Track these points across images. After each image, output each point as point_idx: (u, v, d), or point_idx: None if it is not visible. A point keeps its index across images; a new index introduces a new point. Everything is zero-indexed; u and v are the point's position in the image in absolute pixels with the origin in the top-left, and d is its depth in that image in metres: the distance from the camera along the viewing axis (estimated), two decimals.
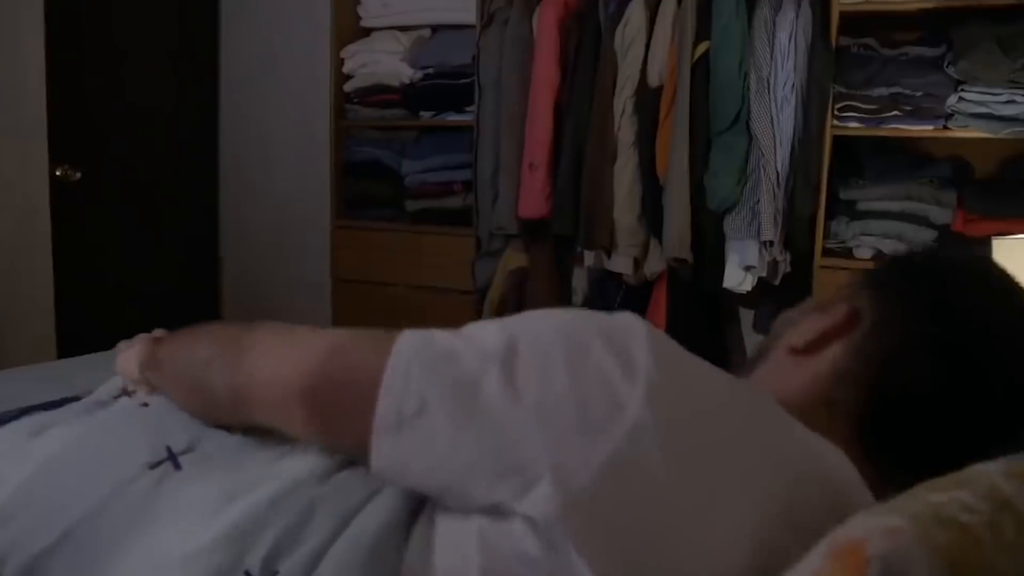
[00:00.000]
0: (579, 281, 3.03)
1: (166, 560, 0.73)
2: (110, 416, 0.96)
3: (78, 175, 3.56)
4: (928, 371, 0.75)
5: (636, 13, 2.84)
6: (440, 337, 0.73)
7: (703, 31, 2.75)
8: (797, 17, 2.66)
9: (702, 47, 2.74)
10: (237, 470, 0.81)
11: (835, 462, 0.71)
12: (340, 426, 0.75)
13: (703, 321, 3.06)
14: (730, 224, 2.75)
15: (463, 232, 3.27)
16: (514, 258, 3.10)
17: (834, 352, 0.79)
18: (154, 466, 0.84)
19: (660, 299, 2.91)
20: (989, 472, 0.62)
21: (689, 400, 0.67)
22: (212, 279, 4.41)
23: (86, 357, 2.40)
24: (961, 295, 0.78)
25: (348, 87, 3.52)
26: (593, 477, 0.61)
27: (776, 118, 2.68)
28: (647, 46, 2.83)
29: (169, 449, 0.86)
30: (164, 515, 0.78)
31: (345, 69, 3.52)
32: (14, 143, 3.20)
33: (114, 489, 0.82)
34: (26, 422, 0.99)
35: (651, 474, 0.62)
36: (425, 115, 3.38)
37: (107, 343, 3.20)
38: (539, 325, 0.72)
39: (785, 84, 2.67)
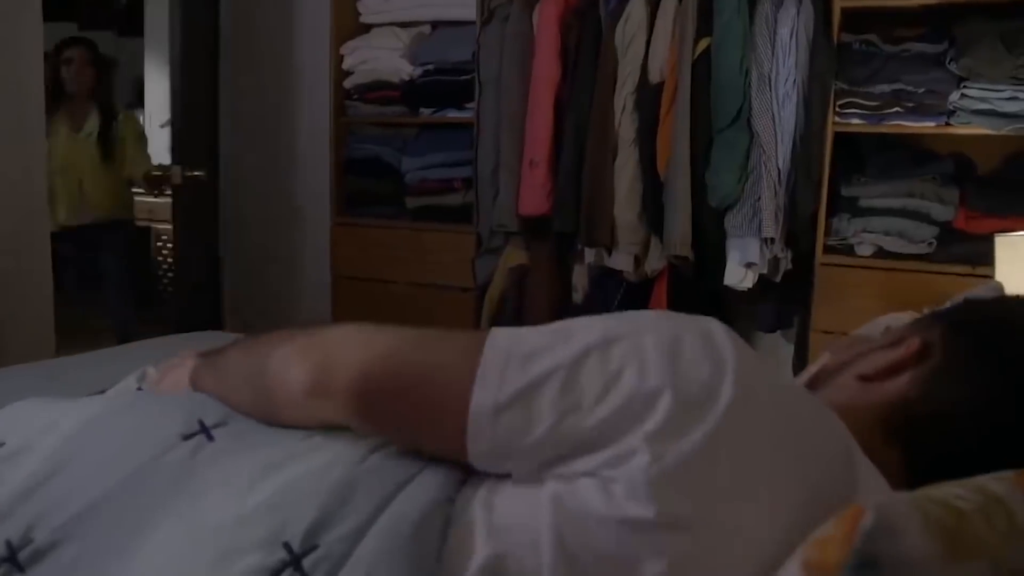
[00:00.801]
0: (579, 278, 3.02)
1: (202, 530, 0.73)
2: (139, 396, 0.96)
3: None
4: (985, 423, 0.80)
5: (637, 9, 2.83)
6: (531, 333, 0.74)
7: (704, 27, 2.74)
8: (798, 13, 2.65)
9: (703, 43, 2.73)
10: (272, 444, 0.81)
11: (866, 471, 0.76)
12: (416, 422, 0.76)
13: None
14: (731, 221, 2.74)
15: (463, 229, 3.26)
16: (514, 255, 3.09)
17: (902, 381, 0.83)
18: (187, 437, 0.84)
19: (661, 296, 2.90)
20: (980, 478, 0.68)
21: (764, 390, 0.70)
22: (212, 276, 4.40)
23: (84, 355, 2.40)
24: None
25: (348, 84, 3.51)
26: (685, 454, 0.64)
27: (777, 115, 2.68)
28: (648, 42, 2.82)
29: (202, 422, 0.86)
30: (199, 485, 0.78)
31: (345, 66, 3.50)
32: (14, 142, 3.19)
33: (148, 459, 0.81)
34: (41, 400, 0.98)
35: (733, 456, 0.66)
36: (425, 112, 3.36)
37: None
38: (633, 321, 0.74)
39: (786, 81, 2.66)
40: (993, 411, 0.79)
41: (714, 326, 0.72)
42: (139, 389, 1.18)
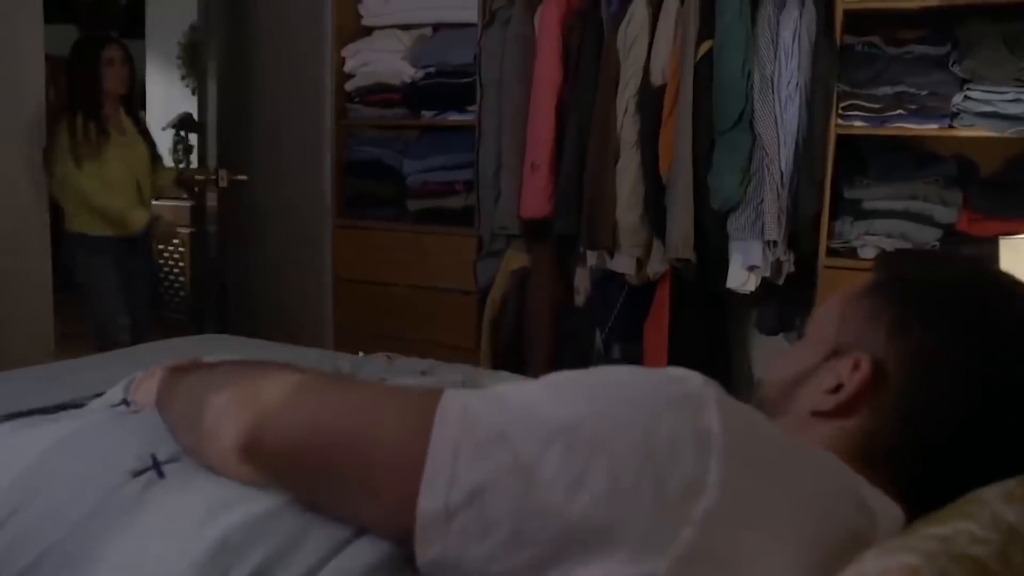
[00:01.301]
0: (581, 281, 3.01)
1: (150, 573, 0.71)
2: (97, 420, 0.94)
3: None
4: (974, 438, 0.73)
5: (639, 11, 2.82)
6: (484, 412, 0.64)
7: (706, 30, 2.73)
8: (801, 16, 2.65)
9: (705, 46, 2.72)
10: (223, 483, 0.78)
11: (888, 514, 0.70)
12: (354, 506, 0.70)
13: (706, 321, 3.05)
14: (733, 224, 2.73)
15: (465, 232, 3.25)
16: (516, 258, 3.09)
17: (863, 415, 0.76)
18: (138, 474, 0.82)
19: (663, 299, 2.89)
20: (988, 500, 0.62)
21: (761, 468, 0.63)
22: (217, 272, 4.39)
23: (82, 359, 2.39)
24: (992, 328, 0.75)
25: (349, 86, 3.51)
26: (671, 560, 0.58)
27: (780, 117, 2.67)
28: (650, 45, 2.81)
29: (154, 457, 0.83)
30: (147, 525, 0.76)
31: (346, 68, 3.50)
32: (14, 143, 3.19)
33: (98, 498, 0.79)
34: (11, 424, 0.97)
35: (726, 555, 0.59)
36: (427, 114, 3.36)
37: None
38: (600, 392, 0.64)
39: (789, 83, 2.65)
40: (981, 424, 0.72)
41: (695, 386, 0.64)
42: (123, 400, 1.17)
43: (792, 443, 0.69)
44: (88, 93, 3.25)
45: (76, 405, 1.29)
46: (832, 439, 0.75)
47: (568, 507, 0.59)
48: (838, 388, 0.76)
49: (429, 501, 0.62)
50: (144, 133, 3.54)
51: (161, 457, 0.83)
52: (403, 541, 0.65)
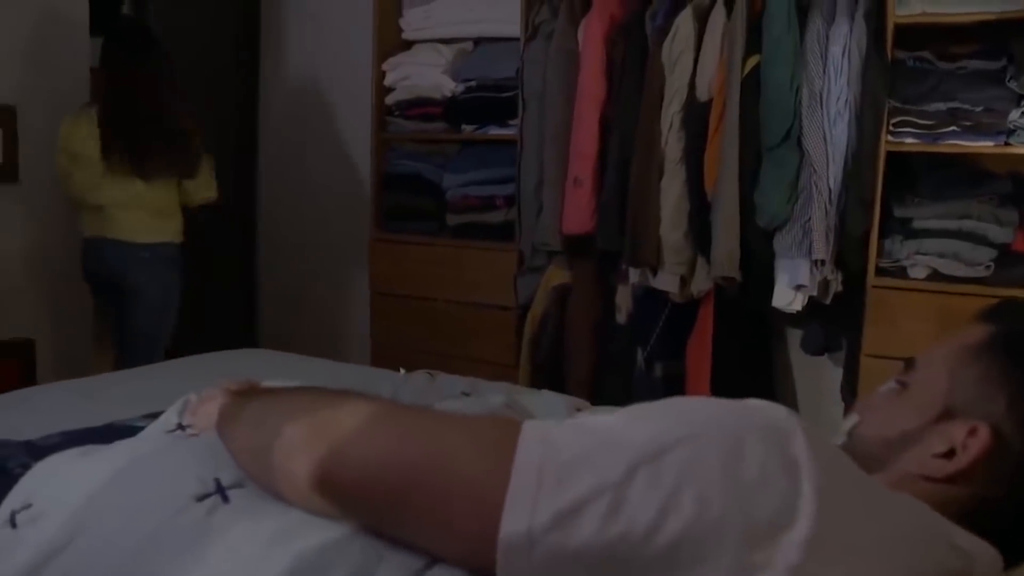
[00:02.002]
0: (623, 299, 2.97)
1: None
2: (157, 446, 0.92)
3: None
4: None
5: (684, 26, 2.78)
6: (566, 439, 0.63)
7: (753, 44, 2.69)
8: (851, 30, 2.60)
9: (752, 61, 2.68)
10: (290, 509, 0.77)
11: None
12: (435, 536, 0.68)
13: (749, 340, 3.00)
14: (780, 242, 2.68)
15: (505, 247, 3.22)
16: (557, 274, 3.05)
17: (978, 481, 0.74)
18: (202, 498, 0.81)
19: (706, 318, 2.84)
20: None
21: (852, 502, 0.62)
22: (248, 290, 4.40)
23: (121, 372, 2.39)
24: None
25: (389, 100, 3.50)
26: None
27: (828, 133, 2.62)
28: (695, 60, 2.77)
29: (218, 481, 0.82)
30: (214, 551, 0.75)
31: (386, 82, 3.49)
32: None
33: (162, 522, 0.78)
34: (71, 453, 0.96)
35: None
36: (467, 128, 3.34)
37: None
38: (684, 419, 0.64)
39: (838, 99, 2.60)
40: None
41: (779, 416, 0.63)
42: (179, 424, 1.15)
43: (875, 482, 0.68)
44: None
45: (130, 427, 1.27)
46: (935, 500, 0.72)
47: (656, 533, 0.58)
48: (950, 453, 0.74)
49: (513, 526, 0.60)
50: None
51: (225, 482, 0.82)
52: (480, 571, 0.64)
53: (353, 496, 0.71)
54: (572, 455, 0.61)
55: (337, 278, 4.10)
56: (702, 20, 2.80)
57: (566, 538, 0.59)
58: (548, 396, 1.91)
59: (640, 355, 2.94)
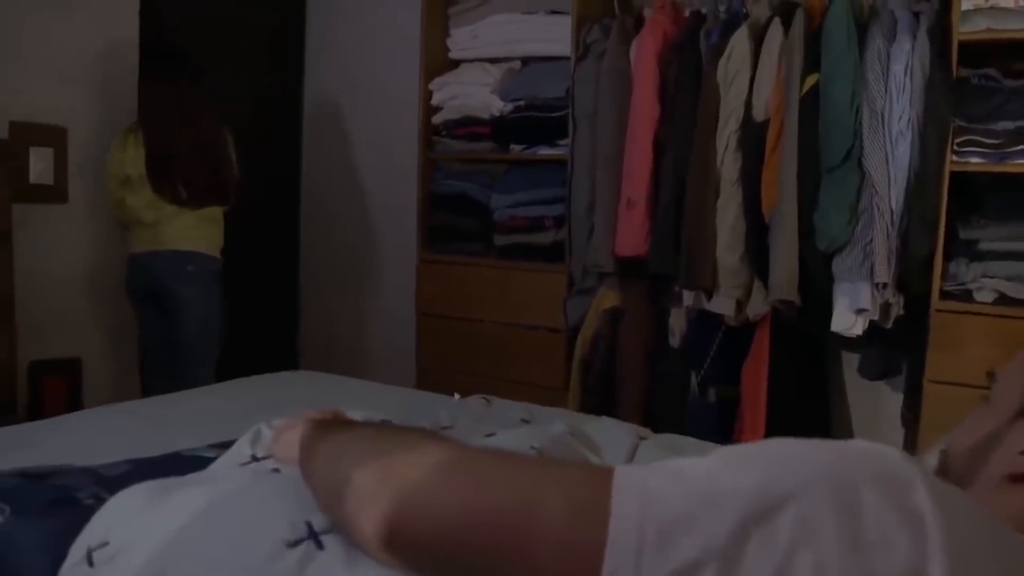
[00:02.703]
0: (676, 322, 2.92)
1: None
2: (242, 483, 0.89)
3: None
4: None
5: (740, 45, 2.74)
6: (666, 492, 0.58)
7: (812, 63, 2.63)
8: (913, 48, 2.54)
9: (811, 79, 2.62)
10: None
11: None
12: None
13: (805, 365, 2.93)
14: (840, 264, 2.61)
15: (553, 268, 3.18)
16: (608, 296, 3.00)
17: None
18: (294, 544, 0.77)
19: (762, 342, 2.78)
20: None
21: (982, 557, 0.57)
22: (289, 309, 4.39)
23: (170, 396, 2.37)
24: None
25: (436, 119, 3.47)
26: None
27: (891, 154, 2.55)
28: (752, 79, 2.72)
29: (310, 526, 0.78)
30: None
31: (433, 101, 3.47)
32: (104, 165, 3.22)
33: (251, 572, 0.75)
34: (147, 488, 0.92)
35: None
36: (515, 148, 3.31)
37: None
38: (790, 468, 0.58)
39: (901, 118, 2.54)
40: None
41: (894, 461, 0.57)
42: (253, 456, 1.12)
43: (999, 524, 0.62)
44: None
45: (198, 457, 1.24)
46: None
47: None
48: None
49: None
50: None
51: (317, 526, 0.78)
52: None
53: (426, 551, 0.65)
54: (675, 513, 0.56)
55: (381, 298, 4.08)
56: (758, 38, 2.75)
57: None
58: (609, 424, 1.86)
59: (694, 379, 2.88)
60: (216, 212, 3.15)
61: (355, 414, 1.21)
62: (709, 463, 0.60)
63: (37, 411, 3.08)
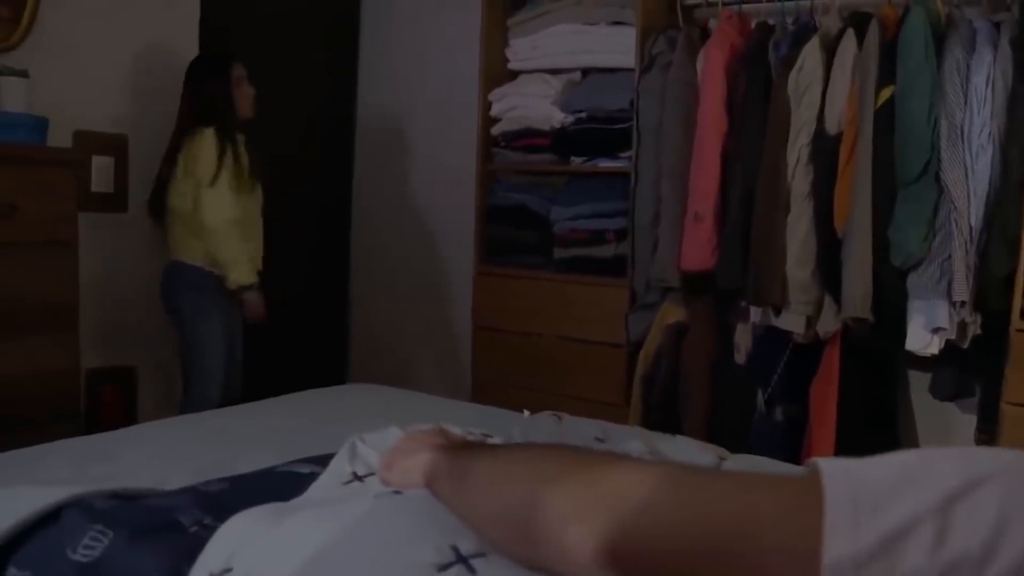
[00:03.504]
0: (742, 338, 2.86)
1: None
2: (374, 507, 0.85)
3: None
4: None
5: (811, 57, 2.68)
6: (870, 473, 0.59)
7: (887, 75, 2.57)
8: (995, 60, 2.47)
9: (886, 92, 2.57)
10: None
11: None
12: None
13: (874, 383, 2.85)
14: (915, 281, 2.54)
15: (615, 282, 3.13)
16: (672, 311, 2.95)
17: None
18: (443, 568, 0.74)
19: (832, 360, 2.71)
20: None
21: None
22: (340, 320, 4.38)
23: (222, 411, 2.34)
24: None
25: (495, 130, 3.44)
26: None
27: (970, 168, 2.48)
28: (824, 91, 2.67)
29: (456, 550, 0.76)
30: None
31: (492, 112, 3.44)
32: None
33: None
34: (263, 513, 0.88)
35: None
36: (576, 160, 3.27)
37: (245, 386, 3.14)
38: (989, 456, 0.59)
39: (981, 132, 2.47)
40: None
41: None
42: (354, 474, 1.08)
43: None
44: (223, 114, 3.01)
45: (293, 473, 1.21)
46: None
47: (989, 563, 0.54)
48: None
49: (837, 552, 0.56)
50: (258, 175, 3.15)
51: (465, 550, 0.75)
52: None
53: (652, 565, 0.65)
54: (882, 486, 0.58)
55: (433, 311, 4.05)
56: (830, 50, 2.69)
57: (893, 565, 0.55)
58: (684, 443, 1.82)
59: (760, 397, 2.81)
60: (195, 225, 3.01)
61: (454, 430, 1.18)
62: (904, 455, 0.61)
63: (94, 418, 3.09)
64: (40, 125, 2.68)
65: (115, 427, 2.51)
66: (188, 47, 3.35)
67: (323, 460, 1.18)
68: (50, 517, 1.09)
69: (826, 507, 0.57)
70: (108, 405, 3.26)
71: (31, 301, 2.59)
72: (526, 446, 0.84)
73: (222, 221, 2.96)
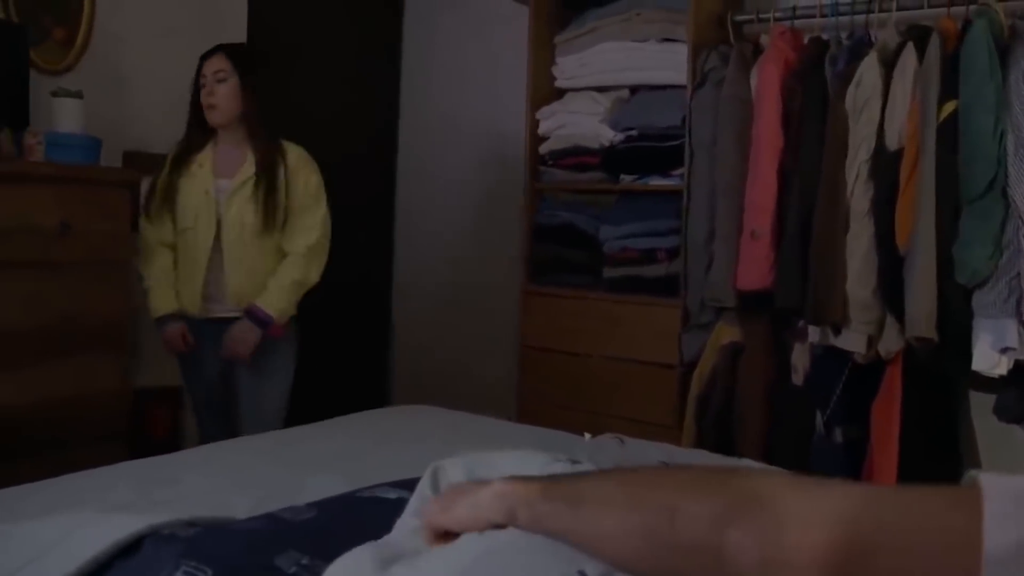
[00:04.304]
0: (800, 358, 2.79)
1: None
2: (491, 543, 0.80)
3: None
4: None
5: (869, 72, 2.63)
6: (1012, 479, 0.61)
7: (949, 89, 2.52)
8: None
9: (949, 106, 2.51)
10: None
11: None
12: None
13: (936, 403, 2.78)
14: (981, 300, 2.48)
15: (666, 302, 3.08)
16: (726, 331, 2.89)
17: None
18: None
19: (894, 381, 2.64)
20: None
21: None
22: (382, 340, 4.35)
23: (275, 433, 2.32)
24: None
25: (543, 149, 3.41)
26: None
27: None
28: (883, 106, 2.61)
29: (584, 574, 0.73)
30: None
31: (540, 131, 3.41)
32: None
33: None
34: (369, 553, 0.84)
35: None
36: (626, 178, 3.23)
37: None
38: None
39: None
40: None
41: None
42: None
43: None
44: (190, 123, 2.75)
45: (379, 499, 1.17)
46: None
47: None
48: None
49: (998, 539, 0.58)
50: (268, 186, 2.69)
51: (592, 573, 0.73)
52: None
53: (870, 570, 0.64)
54: None
55: (477, 331, 4.01)
56: (888, 64, 2.64)
57: None
58: (751, 465, 1.77)
59: (819, 418, 2.75)
60: None
61: (540, 455, 1.14)
62: None
63: (141, 438, 3.07)
64: (94, 145, 2.69)
65: (162, 448, 2.50)
66: None
67: (406, 484, 1.15)
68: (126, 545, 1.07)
69: (985, 501, 0.59)
70: (155, 425, 3.25)
71: (82, 320, 2.59)
72: (645, 467, 0.81)
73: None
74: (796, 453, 2.74)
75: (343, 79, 3.98)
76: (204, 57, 2.73)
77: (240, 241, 2.69)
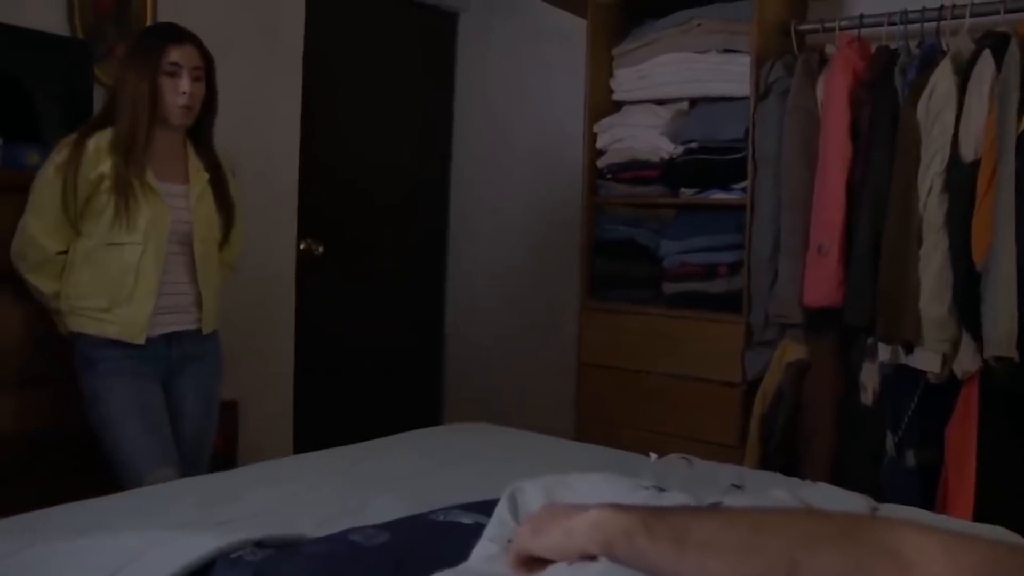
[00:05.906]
0: (869, 377, 2.70)
1: None
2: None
3: (320, 249, 3.58)
4: None
5: (943, 81, 2.55)
6: None
7: None
8: None
9: None
10: None
11: None
12: None
13: (1019, 430, 2.66)
14: None
15: (729, 318, 3.00)
16: (792, 349, 2.81)
17: None
18: None
19: (971, 401, 2.54)
20: None
21: None
22: (435, 355, 4.32)
23: (334, 450, 2.27)
24: None
25: (601, 163, 3.37)
26: None
27: None
28: (957, 117, 2.52)
29: None
30: None
31: (598, 144, 3.37)
32: (266, 215, 3.22)
33: None
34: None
35: None
36: (687, 192, 3.16)
37: (335, 413, 3.08)
38: None
39: None
40: None
41: None
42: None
43: None
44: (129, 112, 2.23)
45: (454, 523, 1.13)
46: None
47: None
48: None
49: None
50: (220, 194, 2.43)
51: None
52: None
53: None
54: None
55: (533, 347, 3.98)
56: (963, 73, 2.55)
57: None
58: (829, 491, 1.70)
59: (890, 440, 2.65)
60: None
61: (623, 480, 1.09)
62: None
63: None
64: None
65: (218, 462, 2.47)
66: (291, 87, 3.36)
67: (480, 507, 1.10)
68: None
69: None
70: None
71: None
72: (759, 509, 0.76)
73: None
74: (865, 476, 2.64)
75: (397, 96, 3.97)
76: (169, 40, 2.26)
77: (207, 256, 2.40)
